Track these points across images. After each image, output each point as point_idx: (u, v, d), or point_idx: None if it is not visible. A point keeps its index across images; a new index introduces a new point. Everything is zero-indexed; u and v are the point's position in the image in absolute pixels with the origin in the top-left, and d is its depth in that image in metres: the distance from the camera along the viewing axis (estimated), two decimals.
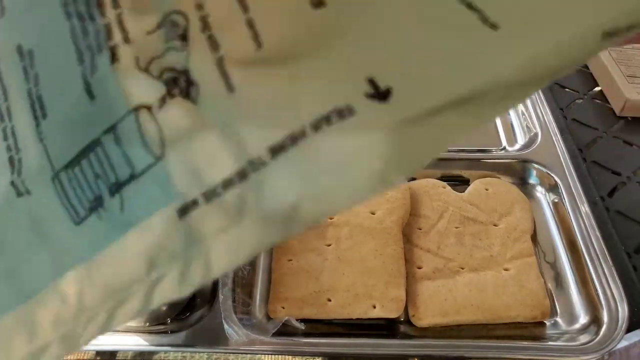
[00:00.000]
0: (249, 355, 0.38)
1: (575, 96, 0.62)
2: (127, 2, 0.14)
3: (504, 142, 0.57)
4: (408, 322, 0.40)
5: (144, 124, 0.14)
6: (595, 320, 0.40)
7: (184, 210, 0.13)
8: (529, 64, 0.12)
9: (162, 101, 0.13)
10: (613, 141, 0.57)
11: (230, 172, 0.13)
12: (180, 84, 0.13)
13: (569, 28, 0.12)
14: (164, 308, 0.39)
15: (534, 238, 0.45)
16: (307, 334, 0.39)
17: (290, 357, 0.38)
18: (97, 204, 0.14)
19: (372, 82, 0.12)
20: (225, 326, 0.37)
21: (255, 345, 0.37)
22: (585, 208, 0.46)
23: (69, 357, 0.37)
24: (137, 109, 0.14)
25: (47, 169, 0.15)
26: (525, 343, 0.38)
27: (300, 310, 0.39)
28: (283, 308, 0.39)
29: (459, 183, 0.50)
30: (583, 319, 0.40)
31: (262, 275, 0.43)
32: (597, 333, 0.38)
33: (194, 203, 0.13)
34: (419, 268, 0.42)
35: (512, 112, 0.59)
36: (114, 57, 0.14)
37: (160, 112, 0.13)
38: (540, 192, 0.50)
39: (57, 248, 0.15)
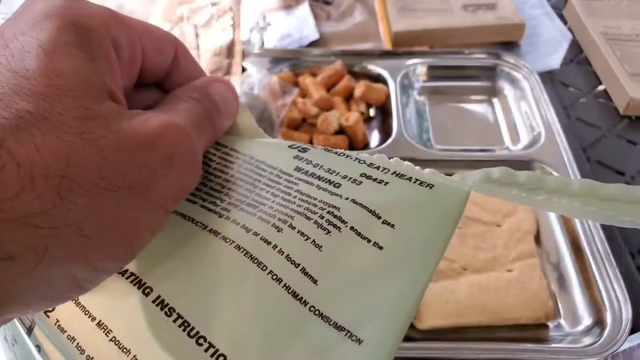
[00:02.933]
0: None
1: (579, 95, 0.62)
2: None
3: (507, 141, 0.56)
4: (410, 324, 0.40)
5: None
6: (598, 322, 0.39)
7: None
8: None
9: None
10: (617, 140, 0.56)
11: None
12: None
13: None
14: None
15: (537, 239, 0.45)
16: None
17: None
18: None
19: None
20: None
21: None
22: None
23: None
24: None
25: None
26: (528, 345, 0.38)
27: None
28: None
29: None
30: (586, 320, 0.40)
31: None
32: (600, 335, 0.38)
33: None
34: None
35: (515, 111, 0.59)
36: None
37: None
38: None
39: None
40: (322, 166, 0.19)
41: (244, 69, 0.62)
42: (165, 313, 0.17)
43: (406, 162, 0.19)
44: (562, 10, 0.74)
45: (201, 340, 0.16)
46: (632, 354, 0.39)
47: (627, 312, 0.38)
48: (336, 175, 0.19)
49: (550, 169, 0.50)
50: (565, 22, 0.73)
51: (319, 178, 0.19)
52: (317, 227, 0.18)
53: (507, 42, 0.69)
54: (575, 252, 0.44)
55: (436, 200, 0.18)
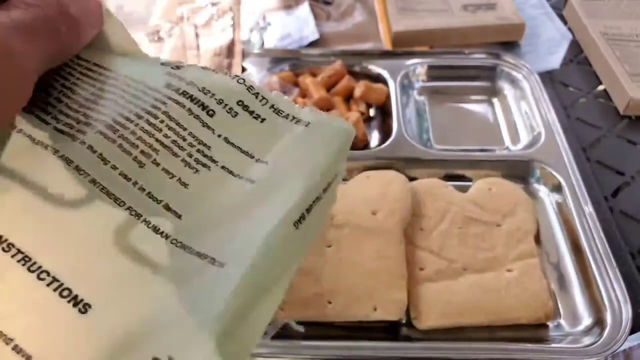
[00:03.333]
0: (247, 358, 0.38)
1: (579, 95, 0.62)
2: None
3: (507, 141, 0.56)
4: (410, 324, 0.40)
5: None
6: (598, 322, 0.39)
7: None
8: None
9: None
10: (617, 140, 0.56)
11: None
12: None
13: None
14: None
15: (537, 239, 0.45)
16: (306, 337, 0.39)
17: None
18: None
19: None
20: None
21: None
22: (589, 208, 0.45)
23: None
24: None
25: None
26: (528, 345, 0.38)
27: (300, 312, 0.39)
28: (282, 310, 0.39)
29: (462, 183, 0.50)
30: (586, 320, 0.40)
31: None
32: (600, 335, 0.38)
33: None
34: (421, 269, 0.41)
35: (515, 111, 0.59)
36: None
37: None
38: (543, 192, 0.50)
39: None
40: (196, 85, 0.18)
41: (244, 69, 0.62)
42: (3, 249, 0.15)
43: (285, 97, 0.19)
44: (562, 11, 0.74)
45: (43, 275, 0.15)
46: (632, 354, 0.39)
47: (627, 312, 0.38)
48: (211, 97, 0.18)
49: (550, 169, 0.50)
50: (565, 22, 0.73)
51: (192, 99, 0.18)
52: (185, 166, 0.17)
53: (507, 42, 0.69)
54: (575, 252, 0.44)
55: (313, 137, 0.18)
